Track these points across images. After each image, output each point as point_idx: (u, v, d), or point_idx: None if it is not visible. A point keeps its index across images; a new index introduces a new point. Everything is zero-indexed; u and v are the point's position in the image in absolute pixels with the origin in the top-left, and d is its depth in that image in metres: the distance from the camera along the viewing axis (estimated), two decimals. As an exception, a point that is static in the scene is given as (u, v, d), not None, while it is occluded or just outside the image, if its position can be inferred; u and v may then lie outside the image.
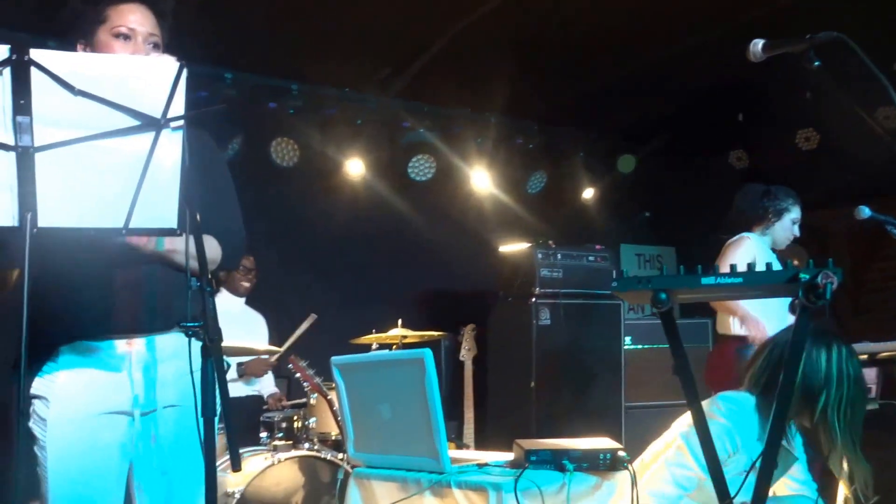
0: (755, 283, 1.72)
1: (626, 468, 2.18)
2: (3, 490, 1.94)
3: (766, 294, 1.97)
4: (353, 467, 2.57)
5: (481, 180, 6.11)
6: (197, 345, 2.04)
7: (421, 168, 5.83)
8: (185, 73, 1.63)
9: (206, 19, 4.35)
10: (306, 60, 5.02)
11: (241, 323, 4.77)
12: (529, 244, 5.23)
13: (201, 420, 1.96)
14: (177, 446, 2.05)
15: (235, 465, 1.62)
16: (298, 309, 5.57)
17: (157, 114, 1.64)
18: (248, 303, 4.91)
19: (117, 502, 2.02)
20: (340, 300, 5.68)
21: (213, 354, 1.67)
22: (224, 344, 3.91)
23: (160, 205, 1.70)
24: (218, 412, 2.12)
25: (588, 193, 6.52)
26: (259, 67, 5.20)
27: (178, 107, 1.65)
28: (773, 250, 3.87)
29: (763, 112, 5.00)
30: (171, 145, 1.68)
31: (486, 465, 2.35)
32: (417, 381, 2.23)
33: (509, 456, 2.44)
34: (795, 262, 3.73)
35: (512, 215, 6.21)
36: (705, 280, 1.74)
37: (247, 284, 4.80)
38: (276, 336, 4.97)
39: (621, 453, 2.20)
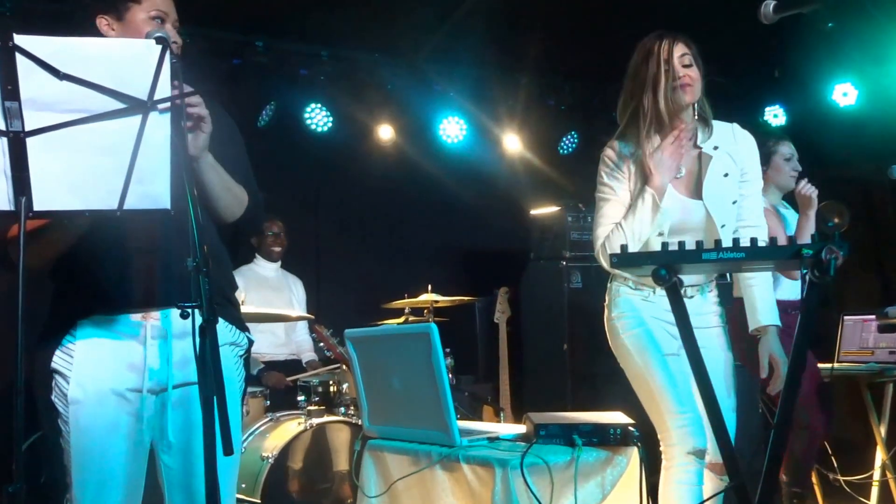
0: (758, 258, 1.66)
1: (636, 444, 2.15)
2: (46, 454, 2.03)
3: (770, 268, 1.90)
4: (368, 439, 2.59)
5: (512, 142, 6.03)
6: (222, 324, 2.09)
7: (451, 131, 5.77)
8: (168, 54, 1.63)
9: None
10: (336, 26, 4.98)
11: (278, 288, 4.85)
12: (559, 207, 5.16)
13: (232, 398, 2.03)
14: (196, 421, 2.08)
15: (227, 450, 1.61)
16: (333, 273, 5.64)
17: (144, 96, 1.64)
18: (283, 267, 4.97)
19: (139, 475, 2.06)
20: (373, 265, 5.72)
21: (209, 334, 1.67)
22: (259, 310, 3.99)
23: (153, 185, 1.71)
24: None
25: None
26: (290, 34, 5.17)
27: (165, 88, 1.65)
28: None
29: (799, 67, 4.81)
30: (160, 126, 1.68)
31: (497, 438, 2.34)
32: (424, 355, 2.22)
33: (523, 428, 2.43)
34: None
35: (544, 177, 6.13)
36: (706, 255, 1.68)
37: (278, 249, 4.86)
38: (314, 300, 5.04)
39: (632, 428, 2.17)
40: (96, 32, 1.99)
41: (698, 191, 2.45)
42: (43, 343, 2.01)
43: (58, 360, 1.99)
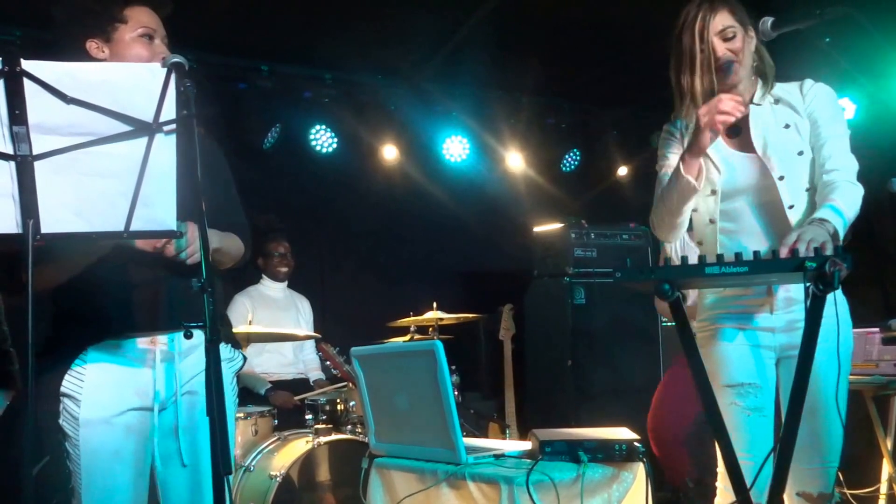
0: (761, 272, 1.66)
1: (642, 460, 2.15)
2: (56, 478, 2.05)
3: (773, 281, 1.90)
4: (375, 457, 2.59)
5: (515, 160, 6.06)
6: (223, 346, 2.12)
7: (454, 150, 5.80)
8: (173, 77, 1.65)
9: (240, 13, 4.41)
10: (338, 49, 5.03)
11: (285, 308, 4.86)
12: (562, 224, 5.18)
13: (227, 417, 2.06)
14: (200, 433, 2.10)
15: (225, 468, 1.62)
16: (338, 292, 5.66)
17: (149, 118, 1.66)
18: (290, 286, 4.98)
19: (145, 494, 2.09)
20: (379, 283, 5.73)
21: (213, 354, 1.68)
22: (266, 330, 4.00)
23: (159, 207, 1.73)
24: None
25: (622, 171, 6.41)
26: (294, 58, 5.22)
27: (170, 110, 1.67)
28: None
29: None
30: (166, 148, 1.70)
31: (503, 455, 2.34)
32: (430, 372, 2.23)
33: (529, 444, 2.42)
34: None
35: (546, 195, 6.16)
36: (709, 270, 1.69)
37: (284, 269, 4.86)
38: (319, 319, 5.04)
39: (637, 444, 2.16)
40: (87, 58, 2.01)
41: (751, 145, 2.23)
42: (49, 367, 2.03)
43: (68, 383, 2.02)
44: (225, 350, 2.15)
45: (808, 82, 2.29)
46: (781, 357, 2.18)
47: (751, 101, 2.26)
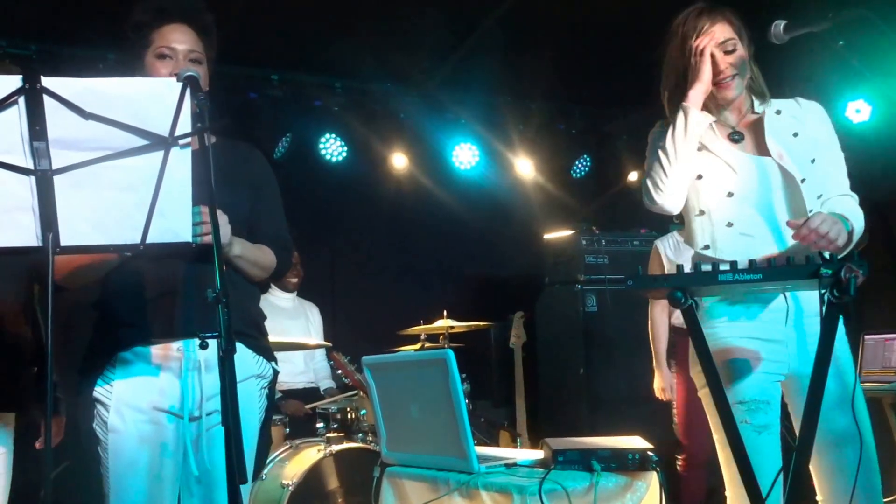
0: (775, 279, 1.66)
1: (656, 469, 2.15)
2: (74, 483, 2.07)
3: (788, 288, 1.90)
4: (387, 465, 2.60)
5: (525, 167, 6.06)
6: (247, 352, 2.14)
7: (464, 157, 5.82)
8: (188, 92, 1.67)
9: (251, 22, 4.44)
10: (348, 57, 5.05)
11: (295, 317, 4.86)
12: (573, 231, 5.17)
13: (249, 428, 2.10)
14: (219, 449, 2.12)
15: (241, 476, 1.63)
16: (348, 301, 5.67)
17: (165, 132, 1.68)
18: (300, 296, 4.99)
19: (172, 497, 2.11)
20: (389, 292, 5.74)
21: (227, 365, 1.69)
22: (276, 340, 4.02)
23: (174, 219, 1.75)
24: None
25: (633, 176, 6.40)
26: (304, 66, 5.25)
27: (185, 124, 1.70)
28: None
29: (810, 85, 4.82)
30: (181, 161, 1.72)
31: (515, 464, 2.34)
32: (441, 381, 2.23)
33: (541, 453, 2.42)
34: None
35: (557, 201, 6.15)
36: (722, 277, 1.69)
37: (294, 280, 4.87)
38: (329, 327, 5.06)
39: (650, 453, 2.16)
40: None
41: (764, 149, 2.17)
42: (86, 373, 2.09)
43: (99, 389, 2.07)
44: (254, 364, 2.17)
45: (802, 101, 2.27)
46: (791, 375, 2.07)
47: (750, 111, 2.24)
